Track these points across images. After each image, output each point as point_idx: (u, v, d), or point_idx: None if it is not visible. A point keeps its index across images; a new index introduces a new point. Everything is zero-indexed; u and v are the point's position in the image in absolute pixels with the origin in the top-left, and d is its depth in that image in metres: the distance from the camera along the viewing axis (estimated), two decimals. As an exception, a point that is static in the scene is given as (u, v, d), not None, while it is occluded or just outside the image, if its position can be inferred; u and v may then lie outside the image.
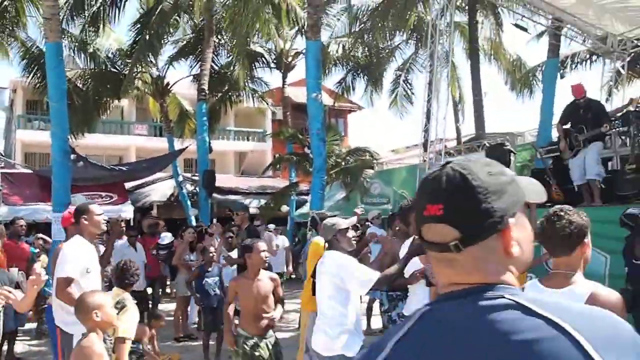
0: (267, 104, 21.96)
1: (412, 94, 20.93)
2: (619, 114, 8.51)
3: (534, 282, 2.73)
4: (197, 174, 17.68)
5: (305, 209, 16.56)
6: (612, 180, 7.59)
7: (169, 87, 18.40)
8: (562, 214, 2.56)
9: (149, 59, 16.97)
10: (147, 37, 16.10)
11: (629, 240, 5.21)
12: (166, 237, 10.58)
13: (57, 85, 9.60)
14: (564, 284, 2.55)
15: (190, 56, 18.54)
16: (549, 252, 2.69)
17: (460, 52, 20.90)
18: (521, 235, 1.10)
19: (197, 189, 16.76)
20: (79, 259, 4.50)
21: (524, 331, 0.95)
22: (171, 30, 17.96)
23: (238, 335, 4.86)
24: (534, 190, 1.21)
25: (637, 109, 7.93)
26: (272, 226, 11.80)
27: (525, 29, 11.29)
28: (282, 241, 12.14)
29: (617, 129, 8.24)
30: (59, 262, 4.51)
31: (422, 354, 1.04)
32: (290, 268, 13.24)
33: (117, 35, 18.04)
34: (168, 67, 18.43)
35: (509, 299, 1.02)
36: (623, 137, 8.33)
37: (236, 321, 5.40)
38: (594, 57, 15.38)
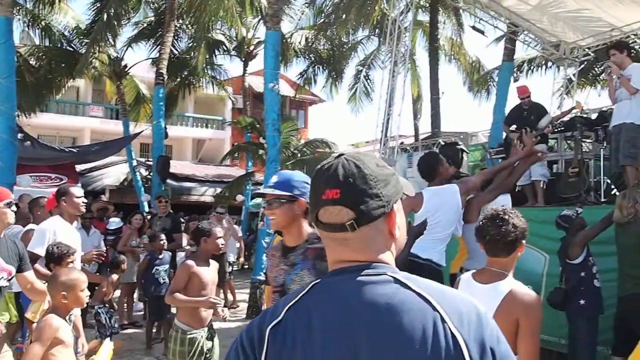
0: (226, 91, 21.79)
1: (372, 90, 21.02)
2: (565, 118, 8.78)
3: (469, 277, 2.79)
4: (152, 159, 17.45)
5: (259, 199, 16.53)
6: (556, 182, 7.82)
7: (126, 70, 18.08)
8: (506, 217, 2.64)
9: (107, 40, 16.65)
10: (106, 16, 15.79)
11: (564, 241, 5.38)
12: (114, 222, 10.41)
13: (5, 61, 9.33)
14: (491, 280, 2.64)
15: (150, 39, 18.21)
16: (487, 252, 2.74)
17: (422, 50, 21.15)
18: (400, 220, 1.29)
19: (151, 174, 16.54)
20: (53, 237, 4.62)
21: (400, 302, 1.15)
22: (131, 11, 17.67)
23: (179, 330, 4.39)
24: (407, 185, 1.37)
25: (582, 114, 8.18)
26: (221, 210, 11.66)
27: (482, 32, 11.49)
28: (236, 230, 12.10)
29: (564, 133, 8.46)
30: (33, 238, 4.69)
31: (311, 319, 1.19)
32: (242, 258, 13.21)
33: (75, 13, 17.63)
34: (127, 49, 18.14)
35: (390, 276, 1.20)
36: (569, 142, 8.57)
37: (173, 310, 5.14)
38: (549, 64, 15.74)
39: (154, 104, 16.09)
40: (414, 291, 1.17)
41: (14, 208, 3.93)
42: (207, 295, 4.41)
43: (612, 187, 7.37)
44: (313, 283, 1.26)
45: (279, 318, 1.22)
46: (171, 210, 9.58)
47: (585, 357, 5.04)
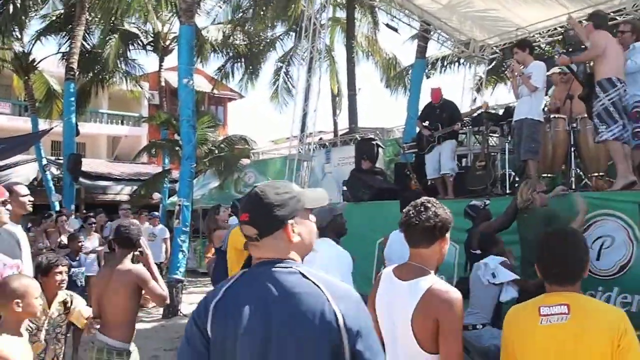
0: (141, 87, 21.22)
1: (293, 86, 20.99)
2: (474, 115, 9.12)
3: (389, 272, 2.64)
4: (62, 158, 16.80)
5: (176, 197, 16.24)
6: (464, 176, 8.11)
7: (35, 64, 17.27)
8: (429, 205, 2.50)
9: (13, 32, 15.87)
10: (12, 8, 15.06)
11: (469, 232, 5.59)
12: (18, 224, 9.92)
13: None
14: (412, 277, 2.49)
15: (60, 33, 17.50)
16: (408, 242, 2.57)
17: (341, 47, 21.33)
18: (302, 229, 1.78)
19: (62, 173, 15.92)
20: None
21: (300, 288, 1.66)
22: (40, 3, 16.92)
23: (106, 350, 3.82)
24: (314, 200, 1.85)
25: (489, 110, 8.51)
26: (126, 206, 11.50)
27: (395, 29, 11.72)
28: (161, 231, 11.79)
29: (472, 129, 8.78)
30: None
31: (240, 296, 1.71)
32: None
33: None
34: (35, 43, 17.33)
35: (294, 269, 1.72)
36: (477, 136, 8.90)
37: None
38: (461, 60, 16.25)
39: (64, 100, 15.48)
40: (311, 281, 1.67)
41: (9, 207, 3.94)
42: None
43: (517, 179, 7.70)
44: (244, 271, 1.79)
45: (219, 297, 1.73)
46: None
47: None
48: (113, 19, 15.60)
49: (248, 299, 1.68)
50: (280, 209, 1.73)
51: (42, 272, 4.01)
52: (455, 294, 2.42)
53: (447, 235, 2.55)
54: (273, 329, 1.62)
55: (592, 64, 6.40)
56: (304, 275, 1.69)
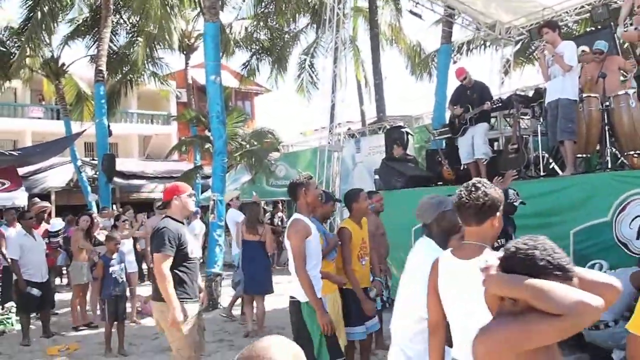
0: (169, 86, 21.47)
1: (318, 79, 20.96)
2: (504, 97, 9.05)
3: (448, 255, 2.74)
4: (97, 158, 17.14)
5: (210, 192, 16.44)
6: (497, 159, 8.06)
7: (64, 68, 17.61)
8: (479, 185, 2.61)
9: (43, 38, 16.17)
10: (40, 14, 15.34)
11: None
12: (56, 224, 10.16)
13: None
14: (473, 255, 2.57)
15: (87, 36, 17.79)
16: (462, 221, 2.70)
17: (364, 36, 21.25)
18: None
19: (97, 173, 16.24)
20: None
21: None
22: (66, 8, 17.20)
23: None
24: None
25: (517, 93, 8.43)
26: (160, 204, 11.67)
27: (419, 16, 11.63)
28: (200, 227, 12.01)
29: (502, 112, 8.69)
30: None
31: None
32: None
33: (5, 13, 17.06)
34: (63, 47, 17.65)
35: None
36: (507, 119, 8.82)
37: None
38: (488, 43, 16.08)
39: (95, 102, 15.77)
40: None
41: (194, 198, 4.49)
42: None
43: (550, 161, 7.64)
44: None
45: None
46: None
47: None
48: (138, 19, 15.73)
49: None
50: None
51: None
52: None
53: (499, 213, 2.62)
54: None
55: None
56: None
